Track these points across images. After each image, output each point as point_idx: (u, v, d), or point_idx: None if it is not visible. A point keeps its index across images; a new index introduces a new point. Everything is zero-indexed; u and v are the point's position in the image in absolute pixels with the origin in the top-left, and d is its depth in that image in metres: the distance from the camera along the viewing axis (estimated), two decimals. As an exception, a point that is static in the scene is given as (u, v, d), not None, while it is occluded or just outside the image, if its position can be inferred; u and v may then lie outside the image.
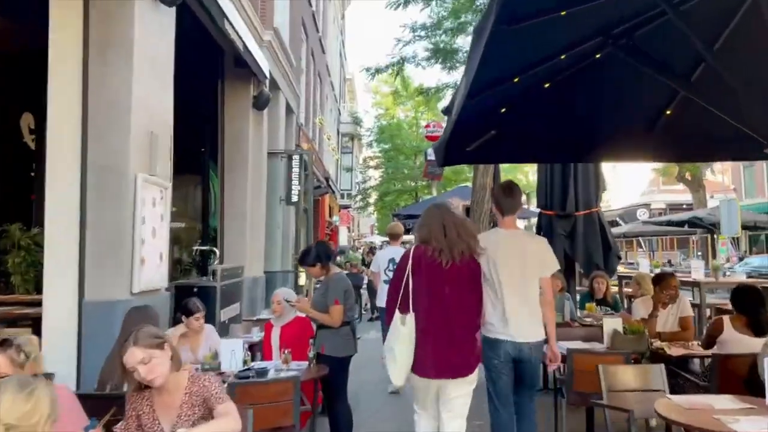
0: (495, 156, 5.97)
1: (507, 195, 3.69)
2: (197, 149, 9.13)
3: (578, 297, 7.91)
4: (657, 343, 4.55)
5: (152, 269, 4.96)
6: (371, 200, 25.98)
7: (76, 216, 4.57)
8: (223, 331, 6.95)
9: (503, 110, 5.03)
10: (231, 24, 6.97)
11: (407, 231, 15.45)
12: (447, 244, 3.16)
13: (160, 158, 5.13)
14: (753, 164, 28.30)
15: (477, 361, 3.21)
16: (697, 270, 7.40)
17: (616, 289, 7.80)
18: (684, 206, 33.82)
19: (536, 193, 8.40)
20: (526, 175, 42.36)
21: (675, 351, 4.34)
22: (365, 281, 13.11)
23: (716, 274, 7.22)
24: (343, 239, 32.65)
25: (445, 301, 3.12)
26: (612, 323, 4.55)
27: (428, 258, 3.16)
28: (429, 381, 3.15)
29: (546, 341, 3.52)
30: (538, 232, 8.42)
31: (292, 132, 12.35)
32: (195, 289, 7.05)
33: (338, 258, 17.30)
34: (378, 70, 11.76)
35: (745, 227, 18.77)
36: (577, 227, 7.96)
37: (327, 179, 18.38)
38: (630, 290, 9.46)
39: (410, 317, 3.09)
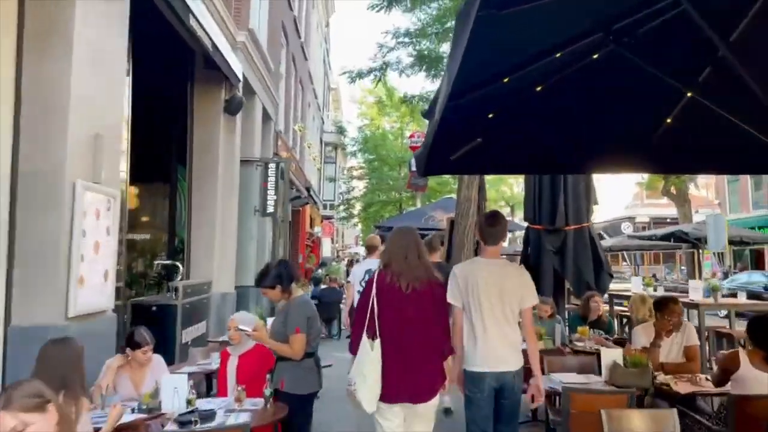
0: (481, 166, 5.46)
1: (491, 224, 3.60)
2: (165, 155, 8.54)
3: (566, 315, 7.46)
4: (661, 377, 4.04)
5: (94, 290, 4.37)
6: (355, 211, 25.44)
7: (4, 229, 3.98)
8: (184, 354, 6.36)
9: (491, 116, 4.54)
10: (198, 20, 6.43)
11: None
12: (407, 268, 3.19)
13: (106, 163, 4.54)
14: (737, 179, 28.21)
15: (441, 385, 3.19)
16: (695, 290, 6.93)
17: (606, 307, 7.33)
18: (668, 220, 33.68)
19: (524, 206, 7.93)
20: (511, 187, 42.15)
21: (682, 387, 3.83)
22: (344, 296, 12.53)
23: (716, 294, 6.77)
24: (326, 250, 32.05)
25: (407, 325, 3.12)
26: (611, 354, 4.04)
27: (389, 283, 3.18)
28: (394, 406, 3.13)
29: (527, 368, 3.44)
30: (526, 248, 7.94)
31: (270, 139, 11.79)
32: (154, 308, 6.46)
33: (319, 270, 16.72)
34: (359, 75, 11.26)
35: (731, 242, 18.52)
36: (567, 243, 7.49)
37: (308, 189, 17.81)
38: (622, 309, 9.05)
39: (378, 342, 3.09)
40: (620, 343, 5.44)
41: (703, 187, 35.02)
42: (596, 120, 4.69)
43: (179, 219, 8.34)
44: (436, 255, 6.16)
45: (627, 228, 34.74)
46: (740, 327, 7.54)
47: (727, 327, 6.92)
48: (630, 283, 17.17)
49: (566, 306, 8.11)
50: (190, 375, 4.86)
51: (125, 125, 6.15)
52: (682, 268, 32.35)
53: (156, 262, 6.97)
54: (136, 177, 8.55)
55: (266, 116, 11.37)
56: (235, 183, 8.80)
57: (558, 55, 3.78)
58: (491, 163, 5.37)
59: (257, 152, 10.32)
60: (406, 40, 11.01)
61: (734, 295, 11.06)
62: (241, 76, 8.44)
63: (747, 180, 27.26)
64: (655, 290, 8.55)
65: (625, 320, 8.58)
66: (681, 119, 4.54)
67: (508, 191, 40.97)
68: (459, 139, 4.63)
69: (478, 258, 3.62)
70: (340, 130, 25.75)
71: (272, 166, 10.11)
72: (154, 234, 8.55)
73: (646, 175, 32.89)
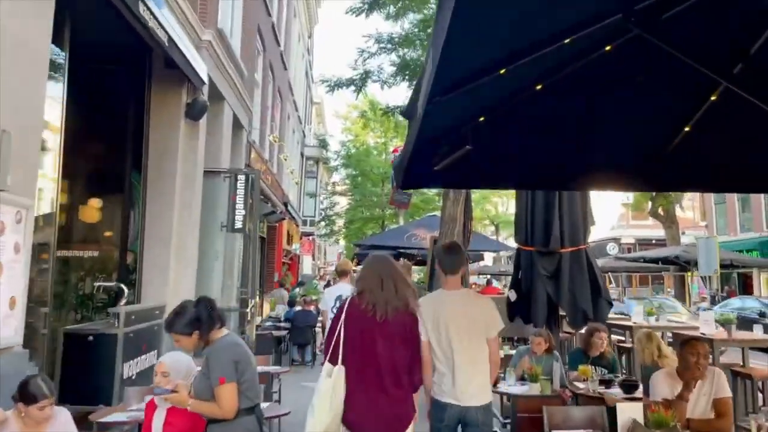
0: (469, 179, 4.69)
1: (448, 253, 3.59)
2: (119, 162, 7.71)
3: (560, 346, 6.72)
4: (688, 439, 3.30)
5: (-10, 321, 3.53)
6: (335, 228, 24.62)
7: None
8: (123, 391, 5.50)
9: (482, 119, 3.85)
10: (150, 10, 5.67)
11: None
12: (382, 298, 3.11)
13: (16, 167, 3.73)
14: (724, 200, 27.93)
15: (410, 418, 3.11)
16: (707, 323, 6.22)
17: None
18: (654, 242, 33.37)
19: (515, 225, 7.20)
20: (496, 206, 41.72)
21: (717, 455, 3.09)
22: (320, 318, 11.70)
23: (729, 328, 6.07)
24: (307, 268, 31.11)
25: (378, 355, 3.06)
26: (628, 410, 3.28)
27: (362, 311, 3.11)
28: None
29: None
30: (517, 271, 7.20)
31: (242, 150, 11.00)
32: (90, 338, 5.59)
33: (296, 290, 15.83)
34: (338, 84, 10.55)
35: (721, 266, 18.01)
36: (562, 267, 6.75)
37: (286, 204, 17.00)
38: (618, 338, 8.33)
39: (338, 370, 3.04)
40: (629, 386, 4.69)
41: (689, 209, 34.80)
42: (604, 127, 4.02)
43: (134, 234, 7.49)
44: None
45: (612, 249, 34.35)
46: (757, 363, 6.83)
47: (741, 364, 6.21)
48: (622, 304, 16.56)
49: (560, 335, 7.38)
50: (117, 425, 4.01)
51: (59, 125, 5.35)
52: (669, 290, 31.97)
53: (96, 284, 6.12)
54: (83, 186, 7.74)
55: (237, 124, 10.59)
56: (197, 195, 7.97)
57: (566, 41, 3.06)
58: (481, 176, 4.63)
59: (226, 162, 9.52)
60: (389, 46, 10.34)
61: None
62: (206, 78, 7.68)
63: (734, 202, 26.96)
64: (657, 320, 7.85)
65: (623, 353, 7.87)
66: (703, 127, 3.88)
67: (492, 210, 40.52)
68: (443, 145, 3.91)
69: (441, 290, 3.57)
70: (322, 144, 25.03)
71: (242, 177, 9.30)
72: (104, 251, 7.68)
73: (631, 196, 32.67)
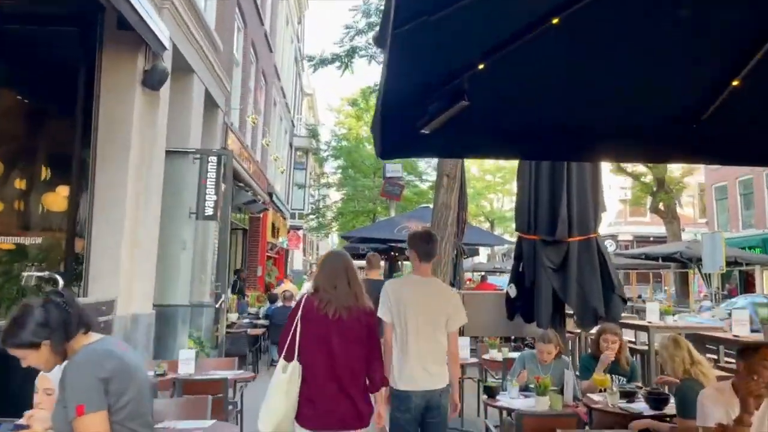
0: (464, 145, 3.75)
1: (425, 241, 3.58)
2: (66, 138, 6.80)
3: (569, 348, 5.87)
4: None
5: None
6: (324, 221, 23.72)
7: None
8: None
9: (481, 67, 3.01)
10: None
11: (360, 256, 13.25)
12: (336, 295, 3.10)
13: None
14: (725, 196, 27.19)
15: (366, 416, 3.09)
16: (741, 324, 5.39)
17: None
18: (652, 239, 32.64)
19: (515, 210, 6.35)
20: (491, 202, 40.91)
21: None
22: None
23: (766, 329, 5.24)
24: (297, 263, 30.24)
25: (332, 352, 3.05)
26: (678, 444, 2.42)
27: (316, 308, 3.10)
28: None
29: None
30: (517, 264, 6.35)
31: (216, 132, 10.09)
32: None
33: (281, 285, 14.93)
34: (323, 62, 9.65)
35: (725, 263, 17.24)
36: (570, 258, 5.90)
37: (271, 195, 16.09)
38: (628, 340, 7.49)
39: (293, 366, 3.03)
40: (657, 400, 3.83)
41: (687, 206, 34.07)
42: (630, 79, 3.18)
43: (84, 219, 6.59)
44: (375, 272, 6.22)
45: (610, 246, 33.59)
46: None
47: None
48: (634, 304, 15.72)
49: (566, 336, 6.54)
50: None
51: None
52: (665, 288, 31.23)
53: (24, 274, 5.21)
54: (25, 165, 6.84)
55: (211, 103, 9.69)
56: (157, 176, 7.07)
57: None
58: (478, 142, 3.73)
59: (196, 143, 8.61)
60: (377, 20, 9.44)
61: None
62: (168, 44, 6.76)
63: (737, 198, 26.21)
64: (675, 319, 7.02)
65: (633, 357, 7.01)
66: (754, 83, 3.04)
67: (488, 206, 39.71)
68: (432, 96, 3.06)
69: (411, 275, 3.63)
70: (312, 134, 24.10)
71: (213, 159, 8.39)
72: (50, 238, 6.77)
73: (629, 193, 31.94)
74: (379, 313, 3.37)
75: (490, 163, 37.83)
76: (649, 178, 23.74)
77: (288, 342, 3.07)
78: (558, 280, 5.90)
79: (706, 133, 3.42)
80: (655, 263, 22.39)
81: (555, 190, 5.97)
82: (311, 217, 24.29)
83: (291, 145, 22.54)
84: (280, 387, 2.99)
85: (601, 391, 4.25)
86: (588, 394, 4.20)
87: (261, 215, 15.07)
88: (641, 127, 3.44)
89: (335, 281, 3.13)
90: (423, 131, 3.06)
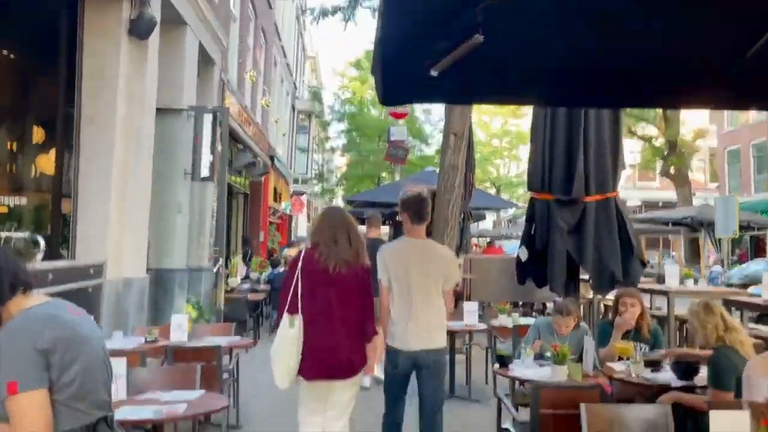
0: (477, 88, 3.31)
1: (417, 203, 3.59)
2: (50, 92, 6.41)
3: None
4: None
5: None
6: (328, 186, 23.30)
7: None
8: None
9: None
10: None
11: (362, 221, 12.89)
12: (335, 251, 3.15)
13: None
14: (738, 159, 26.58)
15: (362, 364, 3.25)
16: (772, 288, 5.05)
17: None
18: (660, 204, 32.11)
19: (528, 168, 5.94)
20: (498, 168, 40.31)
21: None
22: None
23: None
24: (302, 229, 29.96)
25: (331, 305, 3.16)
26: (729, 421, 2.08)
27: (315, 262, 3.17)
28: (315, 383, 3.18)
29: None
30: (530, 226, 5.99)
31: (213, 89, 9.64)
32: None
33: (285, 251, 14.64)
34: (323, 13, 9.14)
35: (740, 227, 16.81)
36: (587, 219, 5.53)
37: (273, 158, 15.68)
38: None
39: (299, 319, 3.12)
40: (687, 369, 3.51)
41: (697, 170, 33.44)
42: (667, 8, 2.76)
43: (71, 179, 6.23)
44: (375, 231, 6.28)
45: (618, 211, 33.08)
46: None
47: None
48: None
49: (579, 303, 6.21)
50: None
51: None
52: (673, 254, 30.85)
53: (2, 235, 4.88)
54: (6, 121, 6.46)
55: (206, 59, 9.22)
56: (148, 135, 6.68)
57: None
58: (492, 84, 3.31)
59: (189, 101, 8.18)
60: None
61: None
62: (155, -9, 6.30)
63: (750, 162, 25.61)
64: (695, 282, 6.67)
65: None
66: None
67: (494, 171, 39.15)
68: (441, 29, 2.65)
69: (405, 238, 3.64)
70: (315, 97, 23.51)
71: (208, 116, 7.98)
72: (35, 199, 6.44)
73: (639, 157, 31.27)
74: (380, 275, 3.46)
75: (496, 127, 37.15)
76: (660, 141, 23.13)
77: (291, 296, 3.14)
78: (573, 242, 5.54)
79: (749, 73, 2.99)
80: (664, 228, 21.96)
81: (571, 146, 5.56)
82: (315, 182, 23.89)
83: (293, 108, 22.00)
84: (291, 341, 3.08)
85: (620, 359, 3.93)
86: (608, 363, 3.88)
87: (262, 179, 14.69)
88: (675, 67, 3.02)
89: (336, 236, 3.17)
90: (431, 72, 2.66)
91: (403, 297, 3.42)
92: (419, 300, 3.41)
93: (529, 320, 6.14)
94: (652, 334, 4.20)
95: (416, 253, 3.49)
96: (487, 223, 35.46)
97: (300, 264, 3.19)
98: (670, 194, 26.57)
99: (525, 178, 6.02)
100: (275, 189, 17.01)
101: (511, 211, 39.09)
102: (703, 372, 3.49)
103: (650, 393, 3.57)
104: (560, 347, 3.52)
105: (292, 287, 3.16)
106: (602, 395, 3.06)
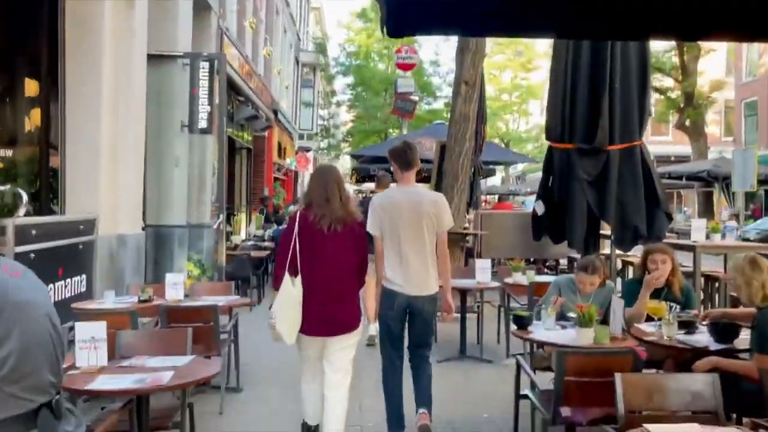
0: (491, 17, 2.87)
1: (403, 151, 3.59)
2: (31, 37, 5.97)
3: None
4: None
5: None
6: (334, 141, 22.76)
7: None
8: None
9: None
10: None
11: (372, 177, 12.49)
12: (329, 210, 3.20)
13: None
14: (755, 112, 25.75)
15: (358, 319, 3.36)
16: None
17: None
18: (672, 158, 31.42)
19: (547, 115, 5.49)
20: (507, 123, 39.47)
21: None
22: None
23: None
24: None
25: (327, 263, 3.22)
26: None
27: (310, 222, 3.21)
28: (313, 339, 3.27)
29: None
30: (547, 177, 5.59)
31: (211, 36, 9.13)
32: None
33: (290, 208, 14.32)
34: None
35: (759, 181, 16.29)
36: (610, 169, 5.13)
37: (276, 112, 15.18)
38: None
39: (299, 279, 3.20)
40: (725, 331, 3.17)
41: (711, 123, 32.56)
42: None
43: (58, 131, 5.85)
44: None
45: (629, 166, 32.44)
46: None
47: None
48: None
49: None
50: None
51: None
52: (685, 209, 30.33)
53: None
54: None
55: (202, 4, 8.68)
56: (139, 83, 6.26)
57: None
58: (510, 12, 2.87)
59: (184, 47, 7.71)
60: None
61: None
62: (141, -76, 5.76)
63: (767, 114, 24.79)
64: (723, 237, 6.30)
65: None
66: None
67: (503, 127, 38.36)
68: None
69: (395, 187, 3.75)
70: (320, 49, 22.74)
71: (204, 65, 7.52)
72: (22, 151, 6.09)
73: (653, 110, 30.42)
74: (368, 228, 3.46)
75: (506, 81, 36.21)
76: (676, 93, 22.35)
77: (290, 257, 3.21)
78: (594, 195, 5.17)
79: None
80: (677, 183, 21.43)
81: (596, 91, 5.11)
82: (320, 138, 23.36)
83: (297, 61, 21.30)
84: (295, 301, 3.17)
85: (648, 320, 3.60)
86: (635, 325, 3.55)
87: (266, 133, 14.25)
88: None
89: (328, 195, 3.21)
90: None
91: (394, 244, 3.45)
92: (410, 248, 3.44)
93: (544, 278, 5.82)
94: (683, 293, 3.85)
95: (406, 200, 3.49)
96: (496, 179, 34.97)
97: (297, 226, 3.23)
98: (683, 148, 25.89)
99: (534, 133, 5.59)
100: (279, 144, 16.58)
101: (520, 167, 38.51)
102: (745, 334, 3.16)
103: (683, 358, 3.26)
104: (586, 308, 3.18)
105: (291, 249, 3.22)
106: (635, 361, 2.73)
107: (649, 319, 3.64)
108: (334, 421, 3.29)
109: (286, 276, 3.21)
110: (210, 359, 3.40)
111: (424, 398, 3.55)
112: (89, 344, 2.78)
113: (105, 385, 2.50)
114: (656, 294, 3.77)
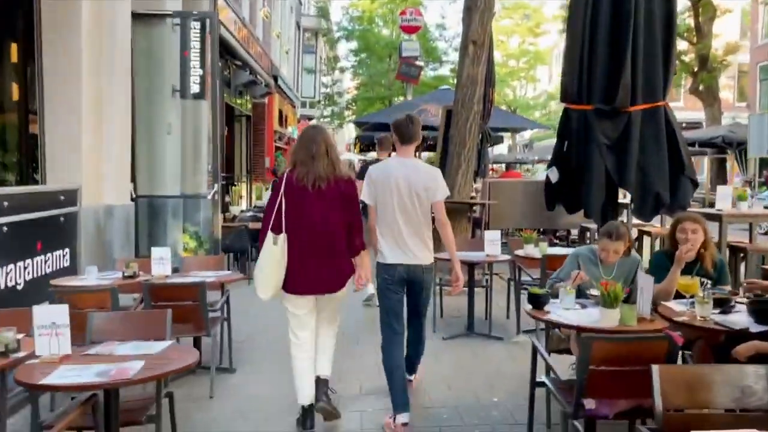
0: None
1: (405, 125, 3.54)
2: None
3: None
4: None
5: None
6: (337, 109, 22.13)
7: None
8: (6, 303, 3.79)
9: None
10: None
11: (374, 145, 12.04)
12: (313, 168, 3.21)
13: None
14: (771, 76, 24.94)
15: (347, 277, 3.34)
16: None
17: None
18: (684, 125, 30.68)
19: (563, 73, 5.04)
20: (514, 89, 38.60)
21: None
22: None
23: None
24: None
25: (314, 222, 3.21)
26: None
27: (296, 182, 3.22)
28: (301, 297, 3.28)
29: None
30: (562, 141, 5.18)
31: (202, -2, 8.62)
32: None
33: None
34: None
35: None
36: (632, 132, 4.70)
37: (276, 78, 14.67)
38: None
39: (282, 238, 3.20)
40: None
41: (724, 88, 31.71)
42: None
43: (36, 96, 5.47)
44: (385, 153, 6.07)
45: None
46: None
47: None
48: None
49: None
50: None
51: None
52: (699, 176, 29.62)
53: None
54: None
55: (193, -40, 8.16)
56: (122, 45, 5.84)
57: None
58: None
59: (174, 5, 7.24)
60: None
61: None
62: None
63: (784, 78, 23.99)
64: (750, 206, 5.90)
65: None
66: None
67: (510, 94, 37.54)
68: None
69: (393, 158, 3.76)
70: (322, 13, 21.98)
71: (195, 25, 7.07)
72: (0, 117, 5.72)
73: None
74: (362, 197, 3.47)
75: (513, 47, 35.26)
76: (690, 57, 21.58)
77: (274, 216, 3.22)
78: (613, 159, 4.77)
79: None
80: (691, 149, 20.75)
81: (617, 46, 4.65)
82: (323, 105, 22.77)
83: (298, 26, 20.62)
84: (273, 257, 3.18)
85: (677, 296, 3.25)
86: (663, 303, 3.20)
87: (266, 100, 13.77)
88: None
89: (312, 152, 3.20)
90: None
91: (389, 215, 3.45)
92: (403, 219, 3.43)
93: (557, 250, 5.45)
94: (716, 267, 3.48)
95: (402, 171, 3.46)
96: (502, 147, 34.34)
97: (283, 186, 3.23)
98: (694, 114, 25.21)
99: (542, 100, 5.17)
100: (281, 112, 16.09)
101: (527, 135, 37.76)
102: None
103: (716, 341, 2.91)
104: (611, 285, 2.82)
105: (275, 208, 3.22)
106: (671, 347, 2.38)
107: (677, 296, 3.29)
108: (325, 352, 3.45)
109: (269, 233, 3.22)
110: (189, 346, 3.08)
111: (413, 367, 3.84)
112: (50, 330, 2.46)
113: (62, 379, 2.17)
114: (687, 269, 3.41)
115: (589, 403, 2.49)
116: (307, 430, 3.30)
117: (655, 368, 2.01)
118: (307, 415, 3.33)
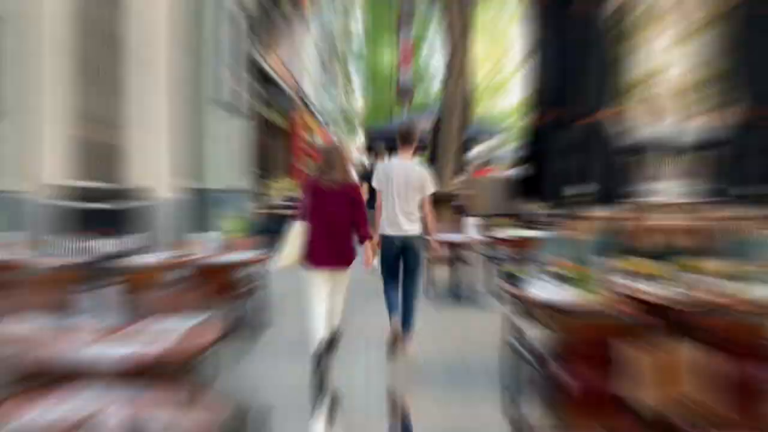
0: None
1: (405, 130, 3.86)
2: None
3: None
4: None
5: None
6: (350, 127, 21.58)
7: None
8: None
9: None
10: None
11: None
12: (331, 174, 3.40)
13: None
14: None
15: (353, 257, 3.40)
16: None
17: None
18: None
19: (529, 85, 4.67)
20: (486, 104, 37.57)
21: None
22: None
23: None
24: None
25: (328, 215, 3.36)
26: None
27: (320, 184, 3.38)
28: (322, 271, 3.35)
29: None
30: (525, 145, 4.84)
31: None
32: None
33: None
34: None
35: None
36: (589, 138, 4.38)
37: (302, 99, 14.25)
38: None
39: (300, 223, 3.36)
40: None
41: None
42: None
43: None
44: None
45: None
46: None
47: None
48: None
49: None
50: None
51: None
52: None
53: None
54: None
55: None
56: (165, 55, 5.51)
57: None
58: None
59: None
60: None
61: None
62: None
63: None
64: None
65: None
66: None
67: (484, 107, 36.63)
68: None
69: (395, 159, 3.96)
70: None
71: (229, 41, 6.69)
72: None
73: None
74: (373, 183, 3.86)
75: (487, 67, 34.18)
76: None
77: (301, 209, 3.39)
78: (570, 162, 4.44)
79: None
80: None
81: (584, 56, 4.30)
82: (341, 121, 22.20)
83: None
84: (294, 236, 3.35)
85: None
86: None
87: (296, 116, 13.38)
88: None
89: (332, 164, 3.38)
90: None
91: (389, 200, 3.78)
92: (399, 204, 3.75)
93: (526, 232, 5.18)
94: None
95: (399, 168, 3.81)
96: (478, 150, 33.60)
97: (310, 187, 3.40)
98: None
99: (509, 111, 4.87)
100: (306, 124, 15.71)
101: (496, 139, 37.00)
102: None
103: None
104: (583, 269, 2.52)
105: (302, 204, 3.39)
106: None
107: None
108: (337, 307, 3.46)
109: (298, 221, 3.40)
110: (216, 323, 2.84)
111: (408, 324, 3.80)
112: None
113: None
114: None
115: (561, 374, 2.23)
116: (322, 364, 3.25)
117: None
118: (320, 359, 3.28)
